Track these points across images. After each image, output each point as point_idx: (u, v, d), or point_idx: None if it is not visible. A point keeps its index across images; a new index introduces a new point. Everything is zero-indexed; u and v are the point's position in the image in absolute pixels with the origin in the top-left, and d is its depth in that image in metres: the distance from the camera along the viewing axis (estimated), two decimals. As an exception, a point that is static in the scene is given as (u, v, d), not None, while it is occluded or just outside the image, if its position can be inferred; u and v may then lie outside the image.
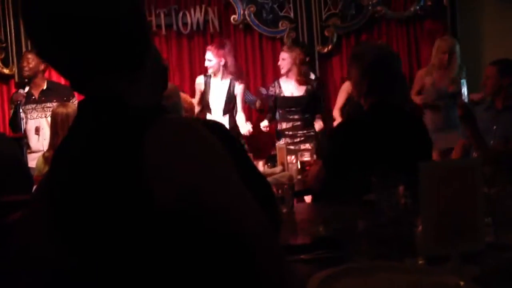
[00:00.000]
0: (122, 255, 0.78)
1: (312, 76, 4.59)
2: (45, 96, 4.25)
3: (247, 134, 4.33)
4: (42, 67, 4.28)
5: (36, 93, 4.27)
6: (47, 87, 4.30)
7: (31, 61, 4.22)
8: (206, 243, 0.77)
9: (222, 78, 4.25)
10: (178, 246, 0.77)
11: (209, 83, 4.28)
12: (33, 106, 4.23)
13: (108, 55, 0.84)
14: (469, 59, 4.62)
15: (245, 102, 4.53)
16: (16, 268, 0.92)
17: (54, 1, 0.81)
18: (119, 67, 0.86)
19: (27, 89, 4.26)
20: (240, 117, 4.32)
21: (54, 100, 4.21)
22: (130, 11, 0.86)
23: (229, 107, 4.29)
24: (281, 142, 4.15)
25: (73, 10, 0.80)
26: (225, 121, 4.23)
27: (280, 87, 4.28)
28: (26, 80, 4.34)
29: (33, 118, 4.22)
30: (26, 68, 4.24)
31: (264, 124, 4.36)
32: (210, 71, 4.27)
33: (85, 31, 0.81)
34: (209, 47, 4.32)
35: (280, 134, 4.32)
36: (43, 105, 4.23)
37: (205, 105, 4.31)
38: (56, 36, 0.82)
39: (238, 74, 4.32)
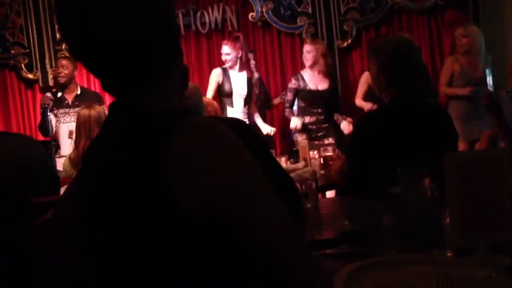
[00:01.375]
0: (145, 260, 0.79)
1: None
2: (79, 101, 4.37)
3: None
4: (75, 72, 4.47)
5: (69, 98, 4.43)
6: (80, 93, 4.47)
7: (66, 68, 4.38)
8: (232, 249, 0.77)
9: (239, 71, 4.27)
10: (203, 253, 0.77)
11: (229, 75, 4.31)
12: (66, 110, 4.39)
13: (139, 67, 0.85)
14: (493, 49, 4.52)
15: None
16: (41, 273, 0.94)
17: (90, 13, 0.81)
18: (149, 77, 0.87)
19: (59, 94, 4.40)
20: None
21: None
22: (166, 27, 0.87)
23: (250, 99, 4.33)
24: (302, 137, 3.84)
25: (109, 26, 0.81)
26: (245, 112, 4.29)
27: (304, 80, 4.24)
28: (59, 86, 4.47)
29: (66, 122, 4.37)
30: (62, 74, 4.39)
31: (295, 123, 4.12)
32: (227, 65, 4.29)
33: (118, 46, 0.82)
34: (225, 41, 4.36)
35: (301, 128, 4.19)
36: (76, 109, 4.30)
37: (225, 97, 4.30)
38: (90, 44, 0.83)
39: (251, 66, 4.36)
